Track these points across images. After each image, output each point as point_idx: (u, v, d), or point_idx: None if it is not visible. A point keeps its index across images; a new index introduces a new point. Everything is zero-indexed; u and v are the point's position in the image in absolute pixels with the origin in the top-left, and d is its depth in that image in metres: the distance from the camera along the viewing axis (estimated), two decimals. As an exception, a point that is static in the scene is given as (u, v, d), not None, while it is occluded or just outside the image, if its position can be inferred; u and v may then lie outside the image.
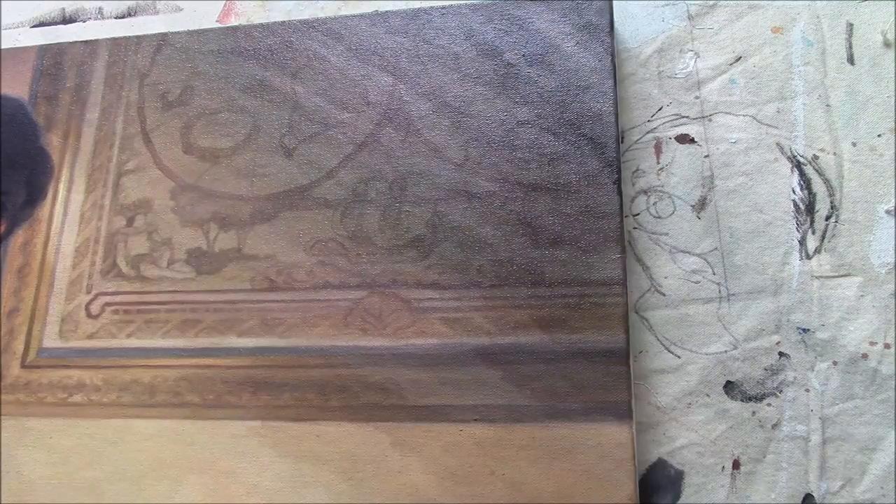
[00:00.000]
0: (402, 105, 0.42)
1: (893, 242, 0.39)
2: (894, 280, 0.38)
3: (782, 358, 0.39)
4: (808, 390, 0.38)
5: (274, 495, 0.39)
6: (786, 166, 0.40)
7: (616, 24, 0.42)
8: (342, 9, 0.46)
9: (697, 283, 0.40)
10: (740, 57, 0.42)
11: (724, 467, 0.38)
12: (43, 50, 0.48)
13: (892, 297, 0.38)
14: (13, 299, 0.45)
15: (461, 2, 0.43)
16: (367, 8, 0.45)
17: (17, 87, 0.48)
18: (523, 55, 0.41)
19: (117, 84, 0.47)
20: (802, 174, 0.40)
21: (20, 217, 0.46)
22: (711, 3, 0.43)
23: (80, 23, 0.52)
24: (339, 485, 0.39)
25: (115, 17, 0.52)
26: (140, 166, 0.45)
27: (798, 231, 0.40)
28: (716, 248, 0.40)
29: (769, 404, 0.39)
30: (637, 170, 0.42)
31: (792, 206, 0.40)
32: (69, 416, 0.42)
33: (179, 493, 0.40)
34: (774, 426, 0.38)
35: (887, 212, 0.39)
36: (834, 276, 0.39)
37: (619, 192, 0.39)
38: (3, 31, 0.53)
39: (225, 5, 0.50)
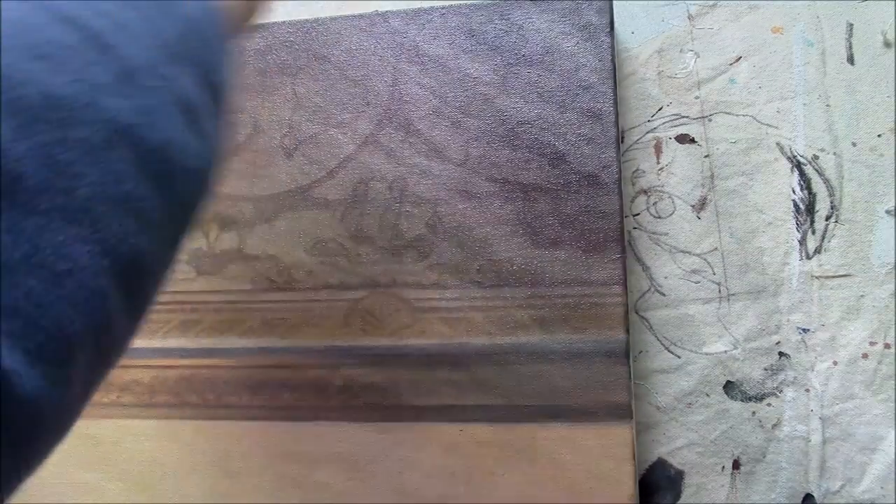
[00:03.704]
0: (402, 105, 0.42)
1: (893, 242, 0.39)
2: (894, 280, 0.38)
3: (782, 358, 0.39)
4: (808, 390, 0.38)
5: (274, 495, 0.39)
6: (786, 166, 0.40)
7: (616, 24, 0.42)
8: (342, 9, 0.46)
9: (697, 283, 0.40)
10: (740, 57, 0.42)
11: (724, 467, 0.38)
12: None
13: (892, 297, 0.38)
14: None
15: (461, 2, 0.43)
16: (367, 8, 0.45)
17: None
18: (523, 55, 0.41)
19: (117, 84, 0.47)
20: (802, 174, 0.40)
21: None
22: (711, 3, 0.43)
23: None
24: (338, 485, 0.39)
25: (116, 18, 0.51)
26: (140, 166, 0.45)
27: (798, 231, 0.40)
28: (716, 248, 0.40)
29: (769, 404, 0.39)
30: (637, 170, 0.42)
31: (792, 206, 0.40)
32: (69, 416, 0.42)
33: (179, 493, 0.40)
34: (774, 426, 0.38)
35: (887, 212, 0.39)
36: (834, 276, 0.39)
37: (619, 192, 0.39)
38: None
39: (225, 5, 0.50)
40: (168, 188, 0.21)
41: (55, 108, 0.18)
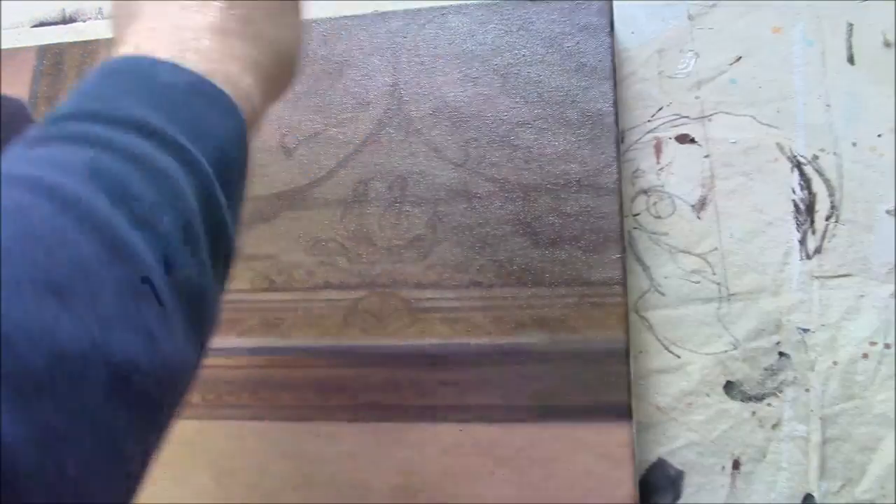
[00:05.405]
0: (402, 105, 0.42)
1: (893, 242, 0.39)
2: (894, 280, 0.38)
3: (782, 358, 0.39)
4: (808, 390, 0.38)
5: (274, 495, 0.39)
6: (786, 166, 0.40)
7: (616, 24, 0.42)
8: (342, 9, 0.46)
9: (697, 283, 0.40)
10: (740, 57, 0.42)
11: (724, 467, 0.38)
12: (43, 50, 0.48)
13: (892, 297, 0.38)
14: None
15: (461, 2, 0.43)
16: (367, 8, 0.45)
17: (17, 88, 0.48)
18: (523, 55, 0.41)
19: (117, 84, 0.47)
20: (802, 174, 0.40)
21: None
22: (711, 3, 0.43)
23: (80, 23, 0.52)
24: (338, 484, 0.39)
25: (115, 17, 0.52)
26: (140, 166, 0.45)
27: (798, 231, 0.40)
28: (716, 248, 0.40)
29: (769, 404, 0.39)
30: (637, 170, 0.42)
31: (792, 206, 0.40)
32: (69, 416, 0.42)
33: (180, 492, 0.40)
34: (774, 426, 0.38)
35: (887, 212, 0.39)
36: (834, 276, 0.39)
37: (619, 192, 0.39)
38: (3, 31, 0.53)
39: (225, 5, 0.50)
40: (163, 411, 0.20)
41: (59, 368, 0.16)
